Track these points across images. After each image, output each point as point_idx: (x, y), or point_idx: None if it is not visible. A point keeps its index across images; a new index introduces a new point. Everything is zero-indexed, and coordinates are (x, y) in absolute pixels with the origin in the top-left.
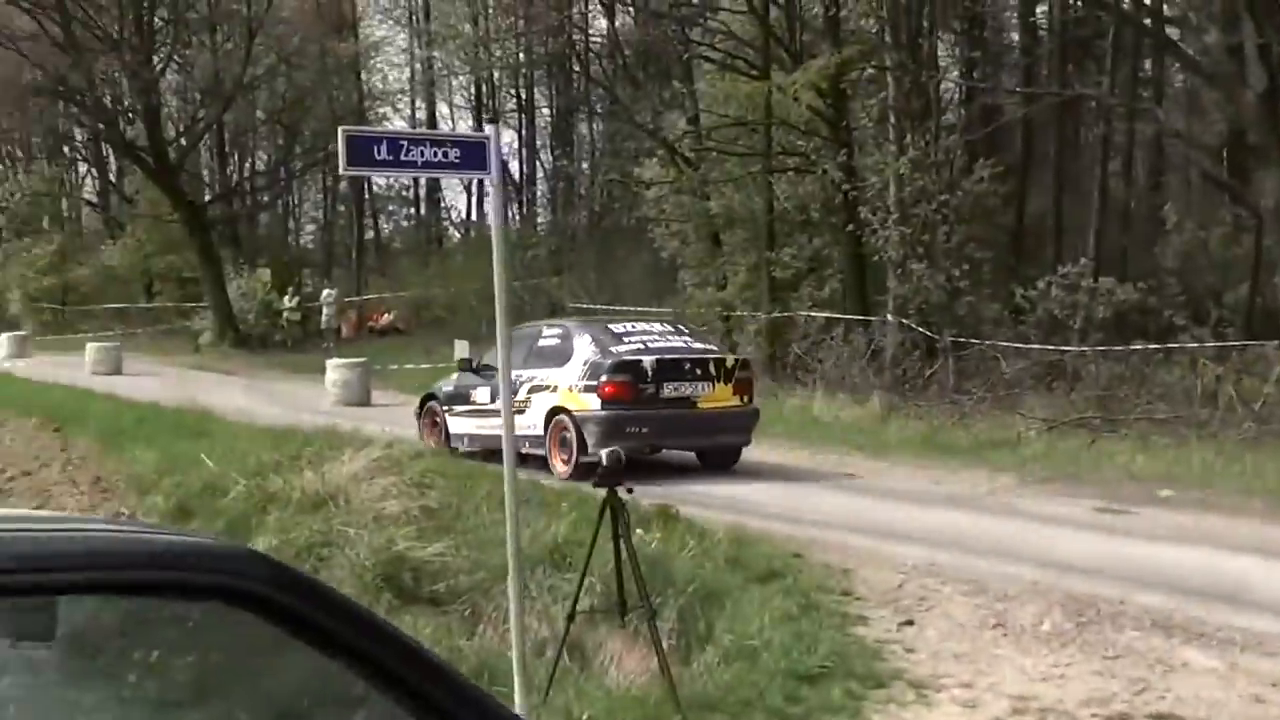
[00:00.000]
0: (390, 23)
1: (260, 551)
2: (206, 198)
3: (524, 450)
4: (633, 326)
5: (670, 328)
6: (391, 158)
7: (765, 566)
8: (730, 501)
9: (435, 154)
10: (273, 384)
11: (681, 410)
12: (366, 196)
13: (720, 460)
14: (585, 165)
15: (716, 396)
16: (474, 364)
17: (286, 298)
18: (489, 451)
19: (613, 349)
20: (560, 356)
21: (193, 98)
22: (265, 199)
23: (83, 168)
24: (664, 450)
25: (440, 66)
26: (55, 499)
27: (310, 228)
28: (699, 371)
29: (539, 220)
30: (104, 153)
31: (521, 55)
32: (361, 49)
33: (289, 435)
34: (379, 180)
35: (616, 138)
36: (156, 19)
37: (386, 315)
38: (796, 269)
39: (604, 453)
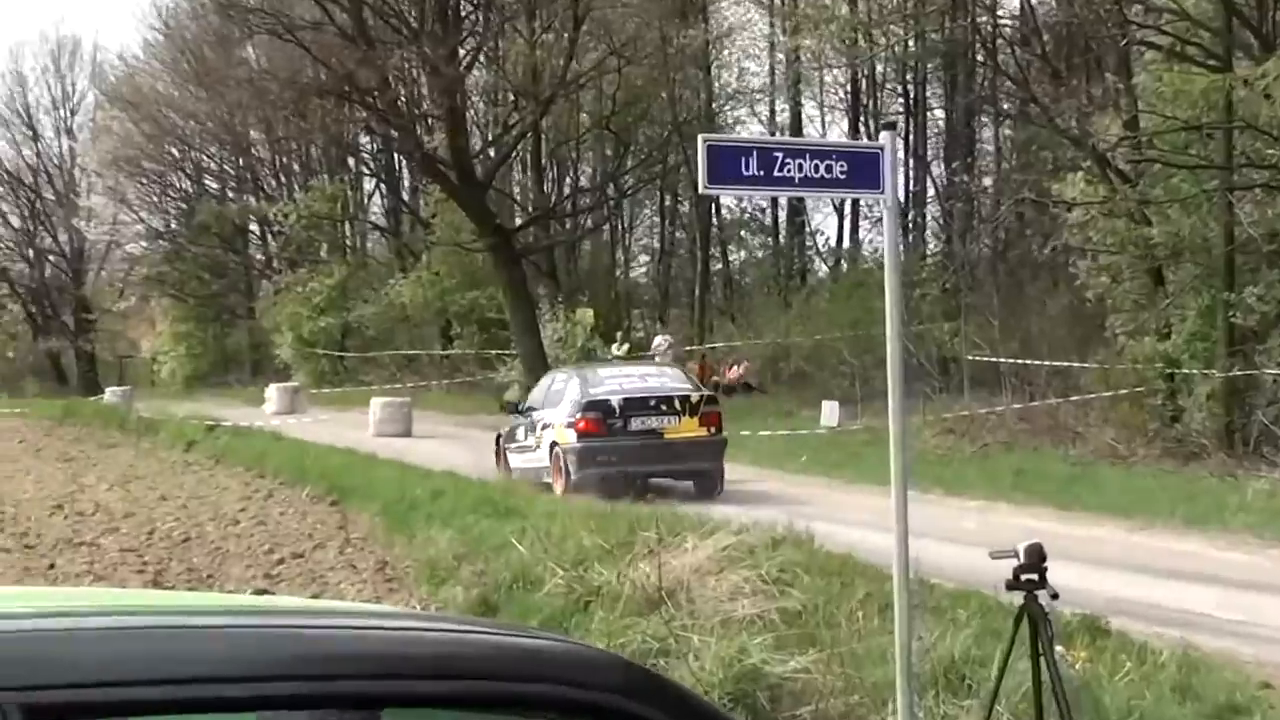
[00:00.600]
0: (747, 5)
1: (635, 662)
2: (518, 221)
3: (544, 480)
4: (618, 370)
5: (654, 370)
6: (762, 173)
7: (1224, 699)
8: (1173, 613)
9: (816, 168)
10: None
11: (650, 441)
12: (714, 221)
13: (697, 486)
14: (988, 181)
15: (683, 428)
16: (517, 406)
17: (615, 345)
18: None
19: (591, 390)
20: (559, 398)
21: (504, 99)
22: (589, 223)
23: (369, 184)
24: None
25: (808, 58)
26: (332, 588)
27: (642, 259)
28: (664, 407)
29: (928, 250)
30: (396, 167)
31: (911, 43)
32: (711, 38)
33: (617, 516)
34: (729, 200)
35: (1030, 147)
36: (463, 4)
37: (736, 368)
38: (1264, 314)
39: (1021, 547)
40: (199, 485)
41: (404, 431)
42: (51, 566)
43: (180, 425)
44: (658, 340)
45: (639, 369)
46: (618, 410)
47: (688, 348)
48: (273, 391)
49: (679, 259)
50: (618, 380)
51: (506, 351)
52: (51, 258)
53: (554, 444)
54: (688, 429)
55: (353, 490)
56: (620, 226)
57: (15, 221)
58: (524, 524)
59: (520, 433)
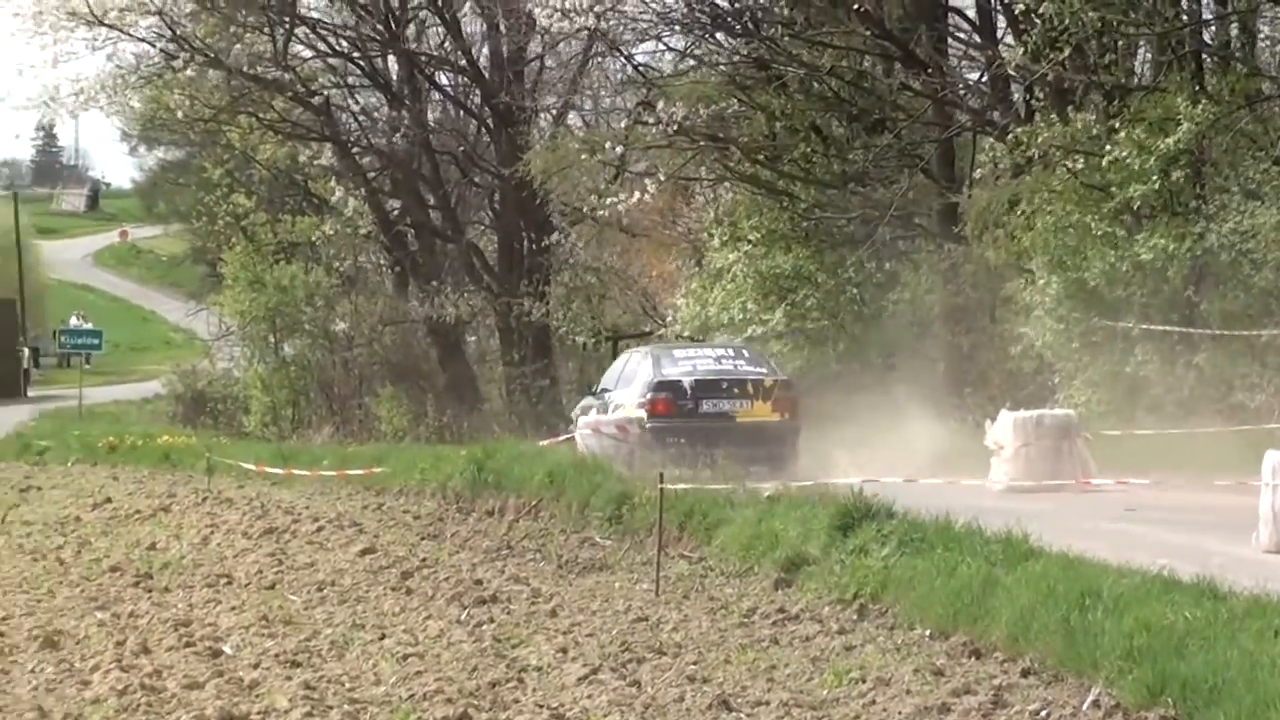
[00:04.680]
0: None
1: None
2: None
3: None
4: (695, 352)
5: (731, 352)
6: None
7: None
8: None
9: None
10: None
11: (720, 424)
12: None
13: (768, 467)
14: None
15: (755, 412)
16: (592, 388)
17: None
18: None
19: (664, 371)
20: (631, 378)
21: None
22: None
23: None
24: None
25: None
26: None
27: None
28: (737, 390)
29: None
30: None
31: None
32: None
33: None
34: None
35: None
36: None
37: None
38: None
39: None
40: None
41: None
42: None
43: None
44: None
45: (714, 350)
46: (689, 392)
47: None
48: (1002, 428)
49: None
50: (691, 361)
51: None
52: None
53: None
54: (760, 413)
55: None
56: None
57: None
58: None
59: (592, 414)
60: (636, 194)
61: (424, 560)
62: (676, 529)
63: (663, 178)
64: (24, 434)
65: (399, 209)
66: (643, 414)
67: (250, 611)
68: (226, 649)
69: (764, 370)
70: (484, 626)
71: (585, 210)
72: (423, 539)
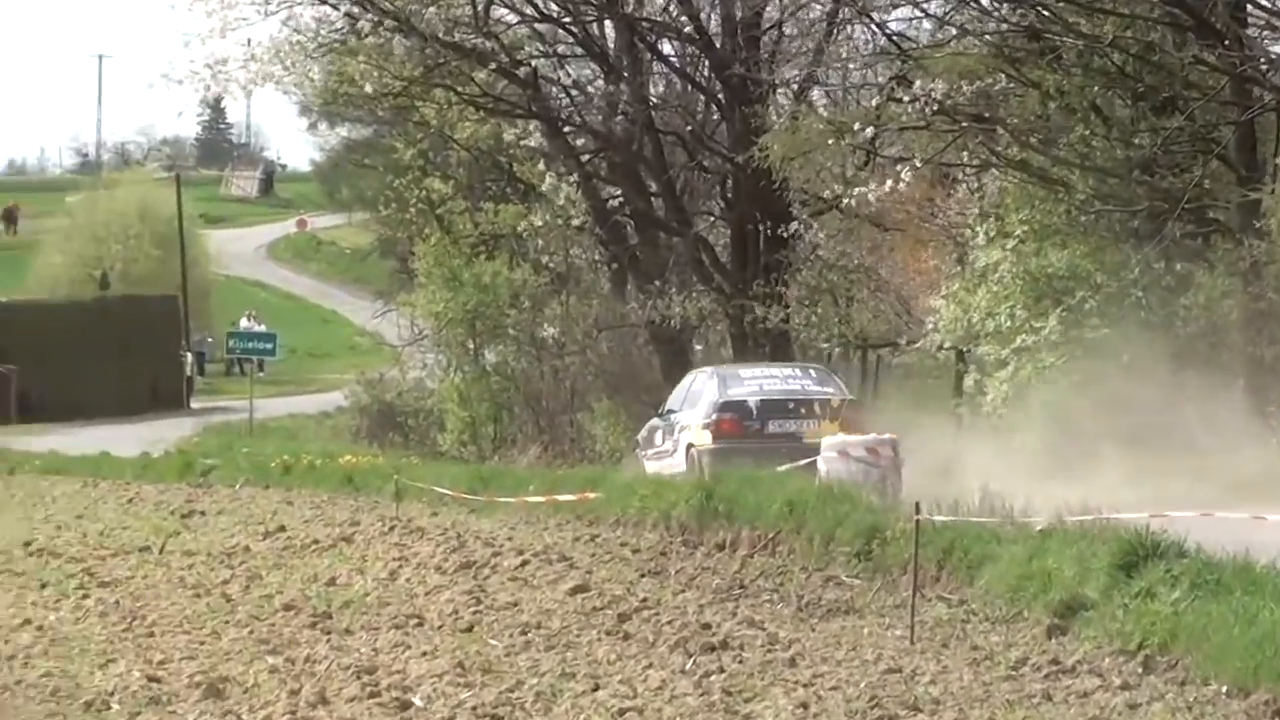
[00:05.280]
0: None
1: None
2: None
3: None
4: (761, 371)
5: (798, 372)
6: None
7: None
8: None
9: None
10: None
11: (788, 445)
12: None
13: None
14: None
15: (823, 432)
16: (660, 410)
17: None
18: None
19: (730, 391)
20: (697, 399)
21: None
22: None
23: None
24: None
25: None
26: None
27: None
28: (804, 410)
29: None
30: None
31: None
32: None
33: None
34: None
35: None
36: None
37: None
38: None
39: None
40: None
41: None
42: None
43: None
44: None
45: (782, 369)
46: (754, 412)
47: None
48: None
49: None
50: (758, 381)
51: None
52: None
53: (690, 446)
54: (828, 433)
55: None
56: None
57: None
58: None
59: (658, 436)
60: (889, 182)
61: (644, 600)
62: (934, 567)
63: (919, 163)
64: (186, 451)
65: (617, 197)
66: (708, 435)
67: (444, 658)
68: (416, 700)
69: (831, 390)
70: (712, 677)
71: (830, 200)
72: (643, 576)
